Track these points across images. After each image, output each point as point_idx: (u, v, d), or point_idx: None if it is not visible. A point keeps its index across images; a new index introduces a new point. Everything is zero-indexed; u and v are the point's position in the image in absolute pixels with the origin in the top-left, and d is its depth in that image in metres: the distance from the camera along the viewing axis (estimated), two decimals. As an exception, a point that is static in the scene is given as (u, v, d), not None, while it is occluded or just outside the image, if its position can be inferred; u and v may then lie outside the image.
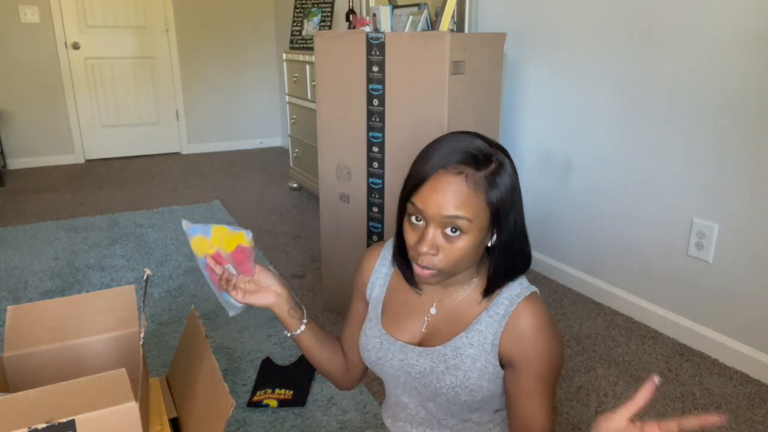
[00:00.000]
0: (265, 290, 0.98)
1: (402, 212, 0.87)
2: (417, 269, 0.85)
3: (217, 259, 0.94)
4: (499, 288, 0.90)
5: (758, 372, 1.79)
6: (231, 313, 0.99)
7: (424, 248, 0.81)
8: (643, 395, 0.72)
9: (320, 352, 1.05)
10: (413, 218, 0.84)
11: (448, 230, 0.81)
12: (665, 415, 1.61)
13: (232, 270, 0.96)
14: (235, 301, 0.98)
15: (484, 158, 0.82)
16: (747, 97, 1.73)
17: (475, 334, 0.89)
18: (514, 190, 0.85)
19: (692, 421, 0.68)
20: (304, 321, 1.01)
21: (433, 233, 0.82)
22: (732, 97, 1.77)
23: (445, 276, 0.85)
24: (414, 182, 0.83)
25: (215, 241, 0.93)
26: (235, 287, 0.96)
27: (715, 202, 1.86)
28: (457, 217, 0.80)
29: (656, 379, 0.72)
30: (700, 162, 1.88)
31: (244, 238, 0.93)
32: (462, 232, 0.81)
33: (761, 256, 1.76)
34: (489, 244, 0.87)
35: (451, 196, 0.80)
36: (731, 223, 1.83)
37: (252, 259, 0.96)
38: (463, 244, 0.81)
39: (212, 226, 0.93)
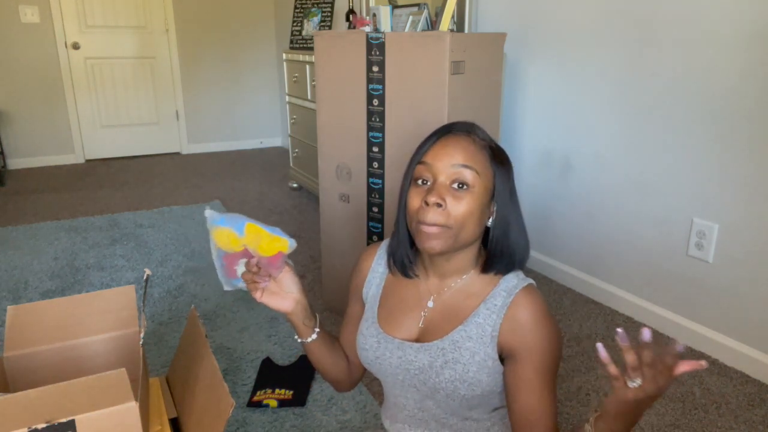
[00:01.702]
0: (286, 295, 0.96)
1: (408, 184, 0.90)
2: (423, 228, 0.85)
3: (246, 255, 0.91)
4: (496, 268, 0.91)
5: (758, 372, 1.79)
6: (226, 288, 0.94)
7: (433, 198, 0.84)
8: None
9: (327, 358, 1.05)
10: (420, 181, 0.88)
11: (455, 185, 0.85)
12: (665, 415, 1.61)
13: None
14: (238, 281, 0.93)
15: (487, 136, 0.91)
16: (747, 97, 1.73)
17: (474, 327, 0.89)
18: (510, 175, 0.91)
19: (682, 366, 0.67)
20: (317, 329, 1.01)
21: (441, 185, 0.85)
22: (732, 97, 1.77)
23: (451, 238, 0.86)
24: (423, 148, 0.89)
25: (250, 241, 0.88)
26: (258, 289, 0.93)
27: (715, 202, 1.86)
28: (466, 166, 0.85)
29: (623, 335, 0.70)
30: (700, 162, 1.88)
31: (287, 246, 0.88)
32: (468, 187, 0.85)
33: (761, 256, 1.76)
34: (489, 223, 0.90)
35: (460, 149, 0.86)
36: (731, 223, 1.83)
37: (284, 261, 0.92)
38: (469, 199, 0.85)
39: (245, 222, 0.88)
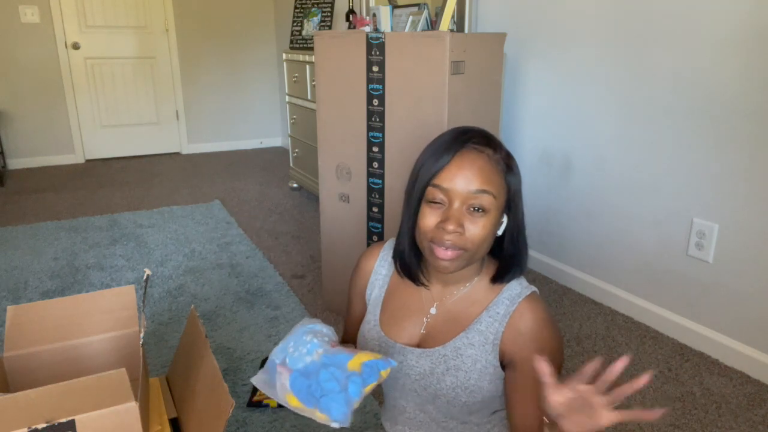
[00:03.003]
0: None
1: (417, 202, 0.87)
2: (439, 252, 0.84)
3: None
4: (506, 277, 0.91)
5: (758, 372, 1.79)
6: (335, 425, 0.79)
7: (451, 226, 0.82)
8: (587, 370, 0.68)
9: None
10: (433, 202, 0.85)
11: (471, 209, 0.83)
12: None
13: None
14: (343, 408, 0.78)
15: (497, 143, 0.87)
16: (747, 97, 1.73)
17: (476, 334, 0.89)
18: (521, 181, 0.89)
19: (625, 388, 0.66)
20: None
21: (459, 211, 0.83)
22: (732, 97, 1.77)
23: (466, 260, 0.85)
24: (435, 166, 0.84)
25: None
26: None
27: (715, 202, 1.86)
28: (484, 191, 0.82)
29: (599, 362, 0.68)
30: (700, 162, 1.88)
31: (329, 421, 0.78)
32: (485, 210, 0.83)
33: (761, 256, 1.76)
34: (499, 232, 0.89)
35: (477, 172, 0.82)
36: (731, 223, 1.83)
37: None
38: (485, 222, 0.83)
39: (285, 397, 0.80)
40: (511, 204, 0.87)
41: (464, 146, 0.84)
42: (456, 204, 0.83)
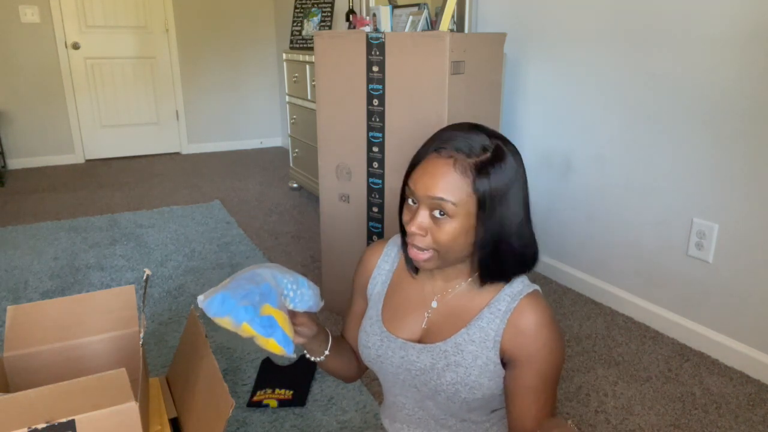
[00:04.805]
0: (296, 336, 0.93)
1: (401, 197, 0.91)
2: (411, 252, 0.87)
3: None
4: (495, 282, 0.90)
5: (758, 372, 1.79)
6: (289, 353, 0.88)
7: (413, 228, 0.85)
8: None
9: (336, 368, 1.05)
10: (409, 200, 0.88)
11: (436, 212, 0.84)
12: (665, 415, 1.61)
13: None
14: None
15: (479, 148, 0.83)
16: (747, 97, 1.73)
17: (477, 330, 0.89)
18: (511, 185, 0.84)
19: None
20: (326, 353, 1.00)
21: (422, 214, 0.85)
22: (732, 98, 1.77)
23: (440, 260, 0.86)
24: (410, 165, 0.88)
25: (247, 335, 0.84)
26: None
27: (715, 202, 1.86)
28: (441, 199, 0.83)
29: None
30: (700, 162, 1.88)
31: (284, 353, 0.85)
32: (448, 215, 0.83)
33: (761, 256, 1.76)
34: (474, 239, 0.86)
35: (438, 179, 0.83)
36: (731, 223, 1.83)
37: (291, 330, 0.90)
38: (449, 227, 0.84)
39: (240, 323, 0.83)
40: (486, 210, 0.83)
41: (436, 150, 0.84)
42: (421, 207, 0.85)
